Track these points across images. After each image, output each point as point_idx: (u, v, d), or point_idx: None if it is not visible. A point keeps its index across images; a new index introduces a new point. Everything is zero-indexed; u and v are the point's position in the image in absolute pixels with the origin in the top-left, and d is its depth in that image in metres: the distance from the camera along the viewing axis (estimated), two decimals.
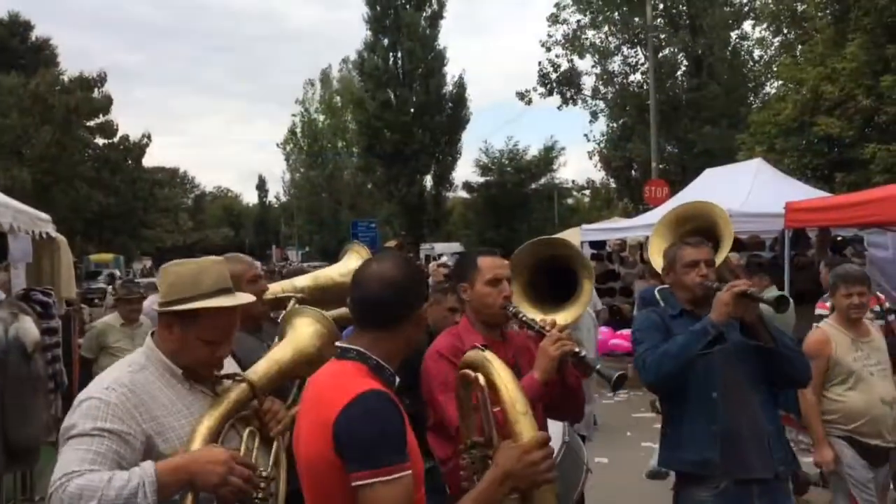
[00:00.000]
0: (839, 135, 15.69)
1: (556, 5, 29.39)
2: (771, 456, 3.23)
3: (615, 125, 30.48)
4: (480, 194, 42.62)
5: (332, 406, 1.89)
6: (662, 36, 27.31)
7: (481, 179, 42.41)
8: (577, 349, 2.79)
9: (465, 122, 37.00)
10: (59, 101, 28.13)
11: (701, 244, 3.51)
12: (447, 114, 36.06)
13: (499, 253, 3.21)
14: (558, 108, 30.50)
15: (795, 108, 17.07)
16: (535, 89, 30.11)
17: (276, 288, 3.58)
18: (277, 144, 64.44)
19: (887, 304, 6.84)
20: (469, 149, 58.77)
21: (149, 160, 41.37)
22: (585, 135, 35.13)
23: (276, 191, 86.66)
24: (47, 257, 8.36)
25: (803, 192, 10.48)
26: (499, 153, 41.93)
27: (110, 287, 15.41)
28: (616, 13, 28.43)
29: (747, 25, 28.10)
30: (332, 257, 4.11)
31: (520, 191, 41.76)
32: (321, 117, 57.60)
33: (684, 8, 27.78)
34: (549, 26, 29.69)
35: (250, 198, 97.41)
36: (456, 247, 33.11)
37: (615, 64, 29.59)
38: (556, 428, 3.18)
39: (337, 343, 2.16)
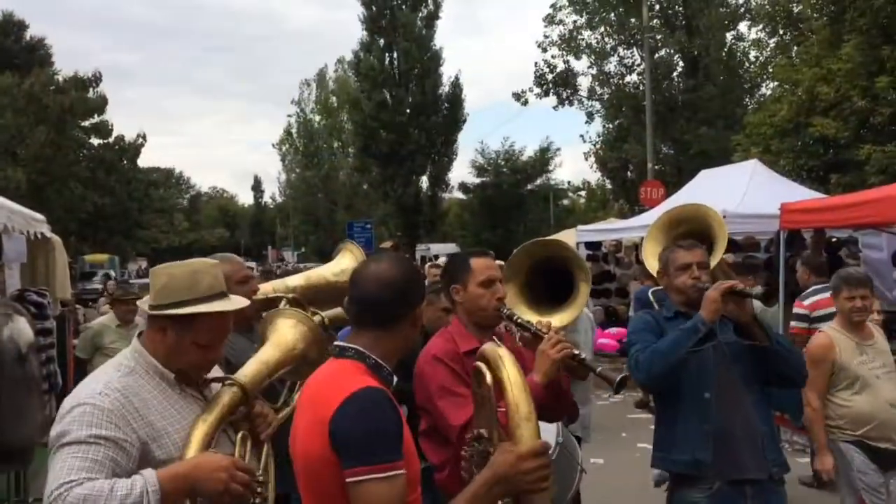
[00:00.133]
0: (834, 136, 15.72)
1: (553, 6, 29.44)
2: (764, 457, 3.23)
3: (611, 126, 30.52)
4: (476, 195, 42.63)
5: (328, 403, 1.90)
6: (658, 37, 27.35)
7: (477, 180, 42.46)
8: (576, 352, 2.80)
9: (461, 123, 37.01)
10: (54, 101, 28.04)
11: (694, 247, 3.51)
12: (443, 114, 36.05)
13: (491, 254, 3.20)
14: (554, 108, 30.54)
15: (791, 110, 17.10)
16: (530, 90, 30.16)
17: (267, 288, 3.53)
18: (273, 145, 64.52)
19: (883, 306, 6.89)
20: (465, 149, 58.67)
21: (144, 160, 41.38)
22: (581, 136, 35.29)
23: (272, 191, 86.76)
24: (42, 258, 8.34)
25: (799, 194, 10.48)
26: (495, 154, 41.98)
27: (103, 287, 15.33)
28: (612, 14, 28.47)
29: (743, 26, 28.23)
30: (327, 258, 4.07)
31: (516, 192, 41.79)
32: (317, 118, 57.57)
33: (680, 9, 27.82)
34: (546, 27, 29.75)
35: (246, 198, 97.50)
36: (452, 248, 33.07)
37: (611, 65, 29.69)
38: (549, 429, 3.17)
39: (335, 342, 2.16)
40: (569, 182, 48.80)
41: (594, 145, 31.17)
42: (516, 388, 1.87)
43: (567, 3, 28.96)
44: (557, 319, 3.34)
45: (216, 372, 2.46)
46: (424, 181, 36.92)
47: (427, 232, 37.56)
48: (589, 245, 14.28)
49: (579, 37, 29.30)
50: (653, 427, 3.54)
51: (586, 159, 32.22)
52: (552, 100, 30.26)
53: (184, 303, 2.22)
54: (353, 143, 42.15)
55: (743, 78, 28.13)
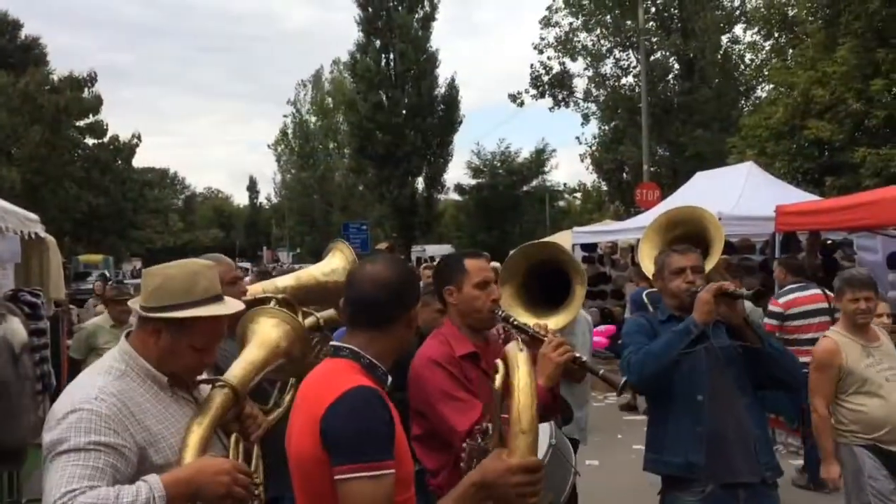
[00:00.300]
0: (829, 138, 15.75)
1: (549, 8, 29.45)
2: (757, 460, 3.23)
3: (607, 128, 30.55)
4: (472, 196, 42.63)
5: (320, 402, 1.91)
6: (654, 39, 27.37)
7: (473, 182, 42.46)
8: (577, 354, 2.80)
9: (457, 125, 36.98)
10: (49, 100, 27.93)
11: (688, 251, 3.52)
12: (439, 116, 36.02)
13: (486, 255, 3.19)
14: (550, 110, 30.54)
15: (786, 112, 17.12)
16: (526, 91, 30.15)
17: (256, 288, 3.47)
18: (269, 145, 64.43)
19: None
20: (461, 151, 58.74)
21: (139, 161, 41.31)
22: (577, 137, 35.20)
23: (268, 192, 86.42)
24: (36, 258, 8.32)
25: (794, 196, 10.52)
26: (490, 155, 41.99)
27: (95, 286, 15.22)
28: (608, 16, 28.48)
29: (738, 29, 28.24)
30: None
31: (511, 193, 41.79)
32: (313, 118, 57.52)
33: (676, 11, 27.85)
34: (542, 29, 29.76)
35: (241, 199, 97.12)
36: (447, 249, 33.07)
37: (607, 67, 29.68)
38: (543, 430, 3.16)
39: (331, 342, 2.17)
40: (565, 184, 48.77)
41: (590, 147, 31.24)
42: (523, 398, 1.85)
43: (563, 6, 28.99)
44: (553, 322, 3.33)
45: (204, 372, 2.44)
46: (420, 182, 36.90)
47: (423, 233, 37.55)
48: (584, 247, 14.31)
49: (575, 39, 29.33)
50: (647, 429, 3.55)
51: (582, 161, 32.36)
52: (548, 101, 30.27)
53: (181, 305, 2.18)
54: (348, 144, 42.07)
55: (738, 80, 28.18)
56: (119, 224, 37.48)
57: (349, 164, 43.30)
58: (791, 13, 19.44)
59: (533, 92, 30.00)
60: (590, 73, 29.78)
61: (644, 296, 7.43)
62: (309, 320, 3.37)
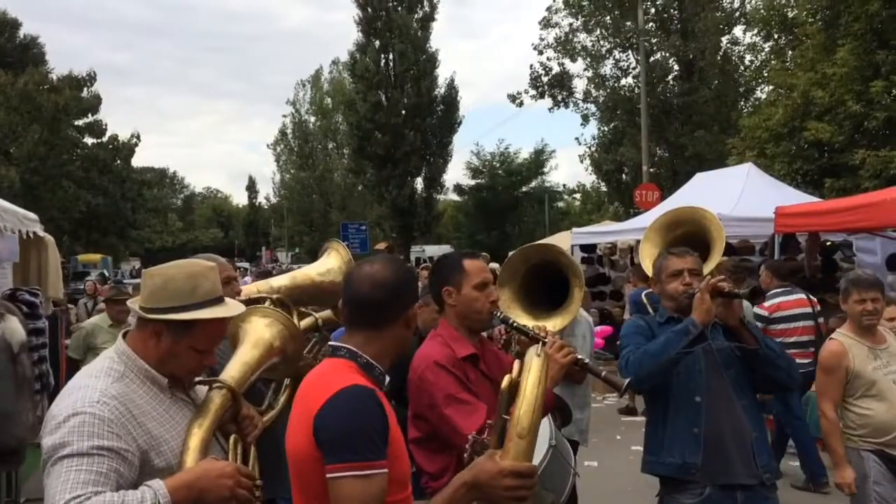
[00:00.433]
0: (829, 140, 15.74)
1: (548, 9, 29.45)
2: (755, 462, 3.23)
3: (606, 129, 30.54)
4: (471, 197, 42.71)
5: (316, 400, 1.92)
6: (654, 40, 27.36)
7: (472, 182, 42.55)
8: (580, 356, 2.80)
9: (456, 125, 36.99)
10: (48, 100, 27.95)
11: (686, 254, 3.52)
12: (438, 116, 36.03)
13: (485, 255, 3.18)
14: (549, 110, 30.51)
15: (786, 113, 17.12)
16: (526, 92, 30.14)
17: (251, 288, 3.46)
18: (268, 145, 64.39)
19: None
20: (460, 151, 58.70)
21: (138, 160, 41.26)
22: (576, 138, 35.14)
23: (267, 192, 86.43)
24: (34, 257, 8.31)
25: (793, 197, 10.53)
26: (490, 156, 42.04)
27: (87, 286, 15.09)
28: (608, 17, 28.48)
29: (738, 30, 28.22)
30: None
31: (511, 194, 41.88)
32: (312, 118, 57.52)
33: (676, 12, 27.85)
34: (542, 29, 29.75)
35: (240, 199, 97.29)
36: (447, 249, 33.04)
37: (607, 68, 29.65)
38: (542, 431, 3.15)
39: (329, 342, 2.18)
40: (564, 184, 48.94)
41: (589, 148, 31.19)
42: (525, 403, 1.84)
43: (563, 6, 28.98)
44: (551, 324, 3.33)
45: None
46: (419, 183, 36.89)
47: (422, 234, 37.54)
48: (584, 247, 14.30)
49: (575, 39, 29.32)
50: (645, 430, 3.54)
51: (581, 162, 32.31)
52: (547, 102, 30.26)
53: (184, 307, 2.16)
54: (348, 145, 42.08)
55: (738, 82, 28.16)
56: (118, 224, 37.41)
57: (348, 164, 43.31)
58: (791, 14, 19.43)
59: (532, 92, 30.01)
60: (589, 73, 29.78)
61: (644, 296, 7.46)
62: (307, 321, 3.37)
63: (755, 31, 23.05)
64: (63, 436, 1.93)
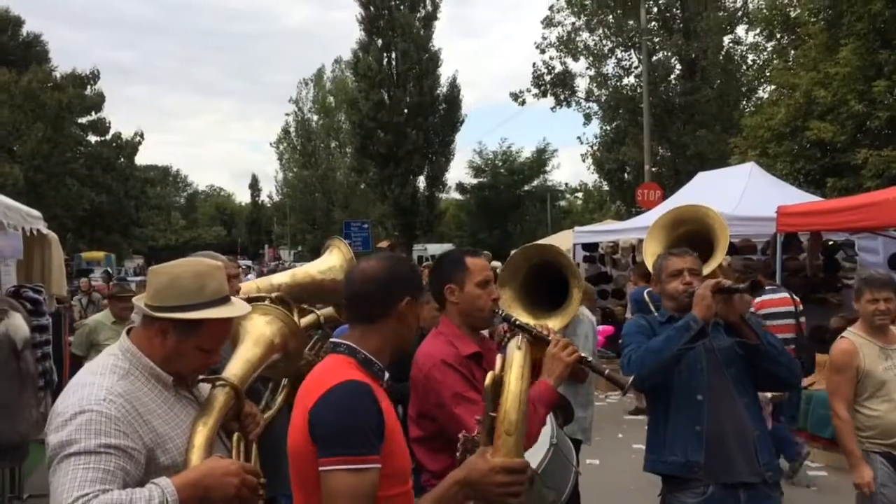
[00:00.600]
0: (831, 140, 15.72)
1: (551, 8, 29.45)
2: (757, 460, 3.23)
3: (608, 128, 30.53)
4: (473, 196, 42.74)
5: (313, 396, 1.94)
6: (656, 39, 27.36)
7: (474, 181, 42.57)
8: (584, 355, 2.82)
9: (458, 124, 36.99)
10: (51, 97, 27.98)
11: (685, 254, 3.53)
12: (441, 115, 36.03)
13: (487, 254, 3.18)
14: (552, 109, 30.52)
15: (788, 113, 17.11)
16: (528, 90, 30.15)
17: (251, 286, 3.44)
18: (271, 144, 64.33)
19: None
20: (462, 150, 58.75)
21: (141, 158, 41.27)
22: (579, 137, 35.24)
23: (269, 190, 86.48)
24: (38, 254, 8.34)
25: (795, 197, 10.52)
26: (492, 155, 42.05)
27: (82, 283, 15.06)
28: (610, 16, 28.47)
29: (741, 30, 28.21)
30: None
31: (513, 193, 41.90)
32: (315, 117, 57.51)
33: (678, 12, 27.84)
34: (544, 28, 29.76)
35: (243, 197, 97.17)
36: (449, 248, 33.07)
37: (609, 67, 29.66)
38: (543, 430, 3.17)
39: (331, 339, 2.19)
40: (566, 183, 48.99)
41: (591, 147, 31.20)
42: (511, 398, 1.85)
43: (565, 5, 28.98)
44: (551, 324, 3.33)
45: None
46: (422, 181, 36.89)
47: (424, 232, 37.55)
48: (586, 246, 14.30)
49: (577, 38, 29.33)
50: (647, 428, 3.55)
51: (583, 161, 32.29)
52: (550, 101, 30.30)
53: (191, 307, 2.15)
54: (350, 143, 42.09)
55: (740, 81, 28.16)
56: (121, 221, 37.43)
57: (351, 162, 43.34)
58: (793, 14, 19.42)
59: (535, 91, 30.07)
60: (591, 72, 29.82)
61: (646, 294, 7.49)
62: (309, 318, 3.37)
63: (757, 30, 23.08)
64: (70, 433, 1.93)
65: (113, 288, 7.53)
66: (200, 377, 2.35)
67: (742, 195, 10.63)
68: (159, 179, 60.01)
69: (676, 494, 3.29)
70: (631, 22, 26.88)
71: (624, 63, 29.35)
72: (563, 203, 49.06)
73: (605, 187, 33.80)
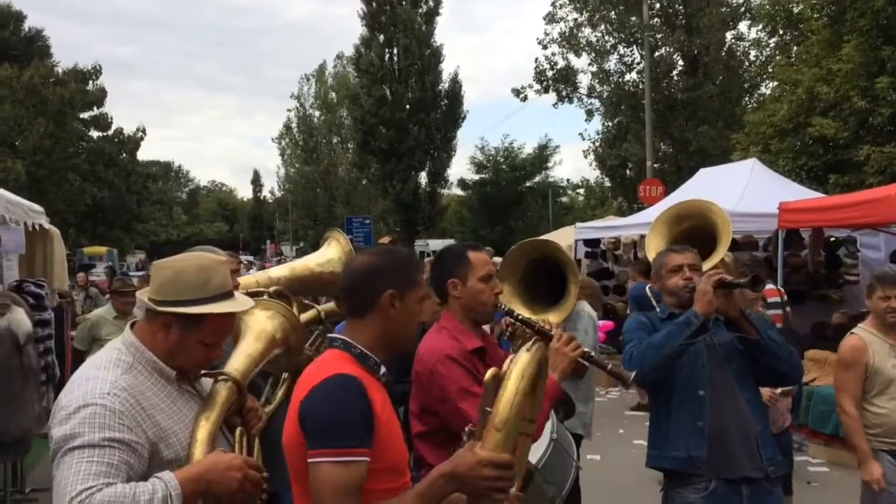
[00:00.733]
0: (834, 136, 15.69)
1: (553, 3, 29.39)
2: (759, 455, 3.23)
3: (610, 124, 30.48)
4: (475, 192, 42.71)
5: (305, 388, 1.96)
6: (658, 35, 27.29)
7: (476, 177, 42.54)
8: (587, 349, 2.82)
9: (460, 120, 36.94)
10: (53, 93, 28.00)
11: (685, 250, 3.54)
12: (442, 111, 35.96)
13: (489, 249, 3.19)
14: (553, 105, 30.47)
15: (790, 109, 17.07)
16: (530, 86, 30.11)
17: (250, 280, 3.41)
18: (272, 139, 64.39)
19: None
20: (464, 146, 58.76)
21: (143, 154, 41.36)
22: (580, 133, 35.25)
23: (271, 185, 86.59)
24: (40, 249, 8.36)
25: (797, 193, 10.51)
26: (494, 151, 42.01)
27: (78, 278, 15.05)
28: (612, 12, 28.41)
29: (743, 26, 28.13)
30: None
31: (514, 189, 41.86)
32: (317, 113, 57.50)
33: (680, 8, 27.77)
34: (546, 24, 29.71)
35: (245, 192, 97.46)
36: (450, 244, 33.04)
37: (611, 63, 29.59)
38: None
39: (329, 334, 2.19)
40: (568, 179, 48.93)
41: (593, 143, 31.14)
42: (506, 395, 1.86)
43: (567, 1, 28.92)
44: (549, 318, 3.34)
45: None
46: (423, 177, 36.84)
47: (426, 228, 37.53)
48: (587, 242, 14.31)
49: (579, 34, 29.27)
50: (649, 424, 3.56)
51: (585, 157, 32.19)
52: (552, 97, 30.24)
53: (195, 301, 2.15)
54: (352, 139, 42.09)
55: (742, 77, 28.08)
56: (123, 216, 37.49)
57: (352, 158, 43.35)
58: (796, 10, 19.35)
59: (537, 87, 30.00)
60: (594, 68, 29.75)
61: (647, 289, 7.48)
62: (309, 313, 3.36)
63: (760, 26, 23.01)
64: (73, 427, 1.93)
65: (115, 283, 7.53)
66: (203, 372, 2.35)
67: (744, 191, 10.63)
68: (161, 175, 59.96)
69: (678, 490, 3.29)
70: (633, 18, 26.81)
71: (626, 59, 29.30)
72: (564, 199, 49.05)
73: (607, 183, 33.74)
